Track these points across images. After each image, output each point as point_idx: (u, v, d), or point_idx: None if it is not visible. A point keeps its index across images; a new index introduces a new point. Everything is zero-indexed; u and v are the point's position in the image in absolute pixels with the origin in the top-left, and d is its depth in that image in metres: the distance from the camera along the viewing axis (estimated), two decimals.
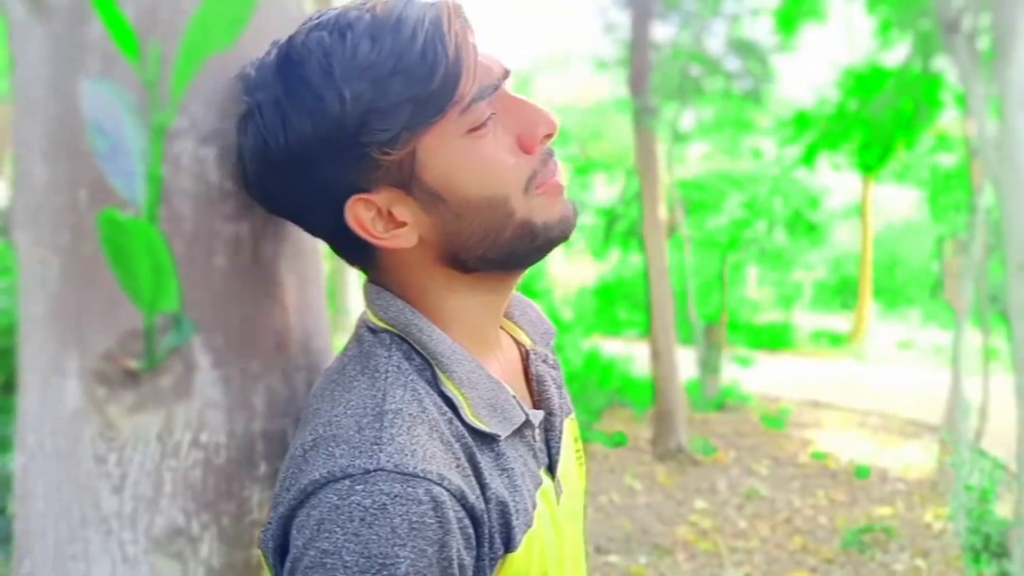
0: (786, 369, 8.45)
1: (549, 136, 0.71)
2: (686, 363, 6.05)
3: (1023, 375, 2.55)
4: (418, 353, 0.73)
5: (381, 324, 0.74)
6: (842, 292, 12.10)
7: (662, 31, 6.65)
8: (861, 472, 5.15)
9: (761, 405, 6.76)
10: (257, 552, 0.78)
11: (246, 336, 0.78)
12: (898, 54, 7.59)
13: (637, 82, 5.60)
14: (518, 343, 0.86)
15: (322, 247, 0.84)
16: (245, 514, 0.77)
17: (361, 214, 0.69)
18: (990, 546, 3.40)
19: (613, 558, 3.91)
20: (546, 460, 0.80)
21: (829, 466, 5.36)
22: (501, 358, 0.81)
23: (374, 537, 0.61)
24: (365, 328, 0.75)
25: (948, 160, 9.45)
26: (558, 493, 0.80)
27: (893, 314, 11.60)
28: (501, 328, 0.84)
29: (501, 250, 0.72)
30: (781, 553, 4.03)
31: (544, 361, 0.87)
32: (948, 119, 8.13)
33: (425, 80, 0.65)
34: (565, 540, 0.79)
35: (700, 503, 4.65)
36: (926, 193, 10.73)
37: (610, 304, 10.29)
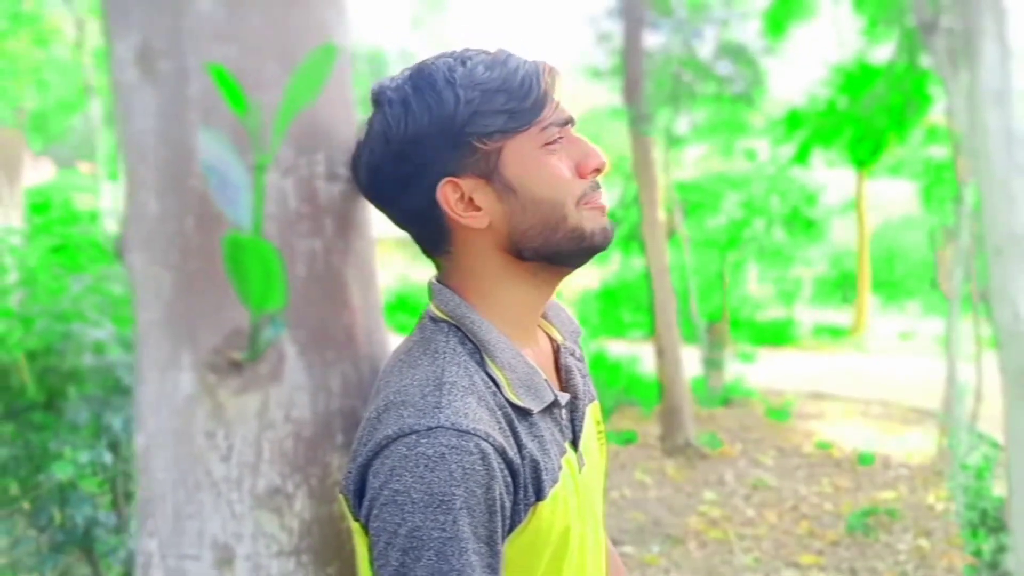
0: (789, 363, 8.60)
1: (598, 170, 0.91)
2: (690, 361, 6.20)
3: (1006, 353, 2.70)
4: (470, 340, 0.91)
5: (441, 315, 0.92)
6: (842, 287, 12.24)
7: (653, 38, 6.83)
8: (864, 459, 5.29)
9: (765, 399, 6.90)
10: (338, 506, 0.95)
11: (323, 331, 0.96)
12: (886, 50, 7.76)
13: (631, 90, 5.77)
14: (551, 339, 1.04)
15: (379, 258, 1.02)
16: (328, 476, 0.95)
17: (449, 193, 0.88)
18: (987, 521, 3.56)
19: (628, 549, 4.06)
20: (570, 435, 0.98)
21: (833, 455, 5.50)
22: (536, 348, 0.99)
23: (436, 479, 0.78)
24: (428, 318, 0.94)
25: (940, 152, 9.60)
26: (580, 464, 0.97)
27: (893, 306, 11.75)
28: (538, 326, 1.02)
29: (552, 247, 0.90)
30: (789, 538, 4.18)
31: (572, 355, 1.04)
32: (939, 111, 8.29)
33: (521, 100, 0.86)
34: (585, 503, 0.97)
35: (709, 494, 4.80)
36: (920, 185, 10.88)
37: (614, 307, 10.46)
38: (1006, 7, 2.72)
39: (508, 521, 0.84)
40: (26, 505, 3.22)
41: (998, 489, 3.67)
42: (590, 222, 0.91)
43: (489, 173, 0.88)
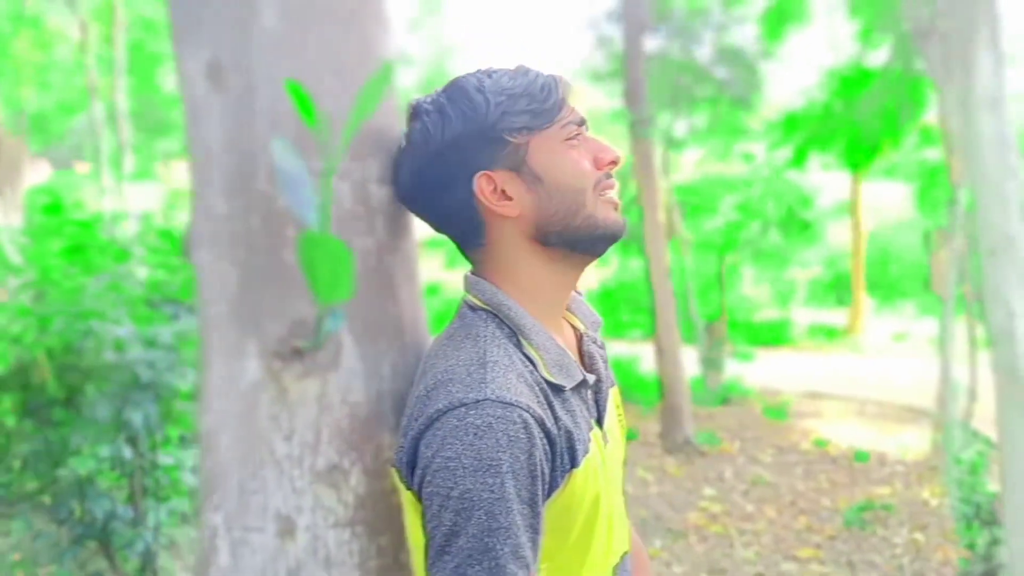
0: (785, 363, 8.71)
1: (613, 163, 1.03)
2: (689, 361, 6.29)
3: (999, 352, 2.79)
4: (507, 325, 1.00)
5: (479, 304, 1.02)
6: (837, 288, 12.34)
7: (652, 42, 6.92)
8: (860, 456, 5.38)
9: (763, 398, 6.99)
10: (389, 481, 1.03)
11: (375, 322, 1.04)
12: (882, 54, 7.87)
13: (632, 94, 5.86)
14: (574, 328, 1.14)
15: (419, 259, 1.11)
16: (381, 454, 1.03)
17: (484, 185, 0.99)
18: (981, 515, 3.65)
19: None
20: (596, 414, 1.07)
21: (830, 452, 5.59)
22: (562, 336, 1.09)
23: (484, 446, 0.87)
24: (466, 307, 1.03)
25: (934, 154, 9.70)
26: (605, 440, 1.07)
27: (888, 308, 11.87)
28: (563, 317, 1.11)
29: (572, 232, 1.01)
30: (787, 533, 4.27)
31: (594, 342, 1.14)
32: (933, 114, 8.37)
33: (542, 102, 0.99)
34: (611, 477, 1.06)
35: (709, 491, 4.89)
36: (914, 188, 11.00)
37: (613, 307, 10.56)
38: (1000, 15, 2.80)
39: (547, 486, 0.93)
40: (46, 499, 3.30)
41: (992, 484, 3.75)
42: (603, 213, 1.02)
43: (518, 165, 0.99)
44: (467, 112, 0.99)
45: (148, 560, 3.28)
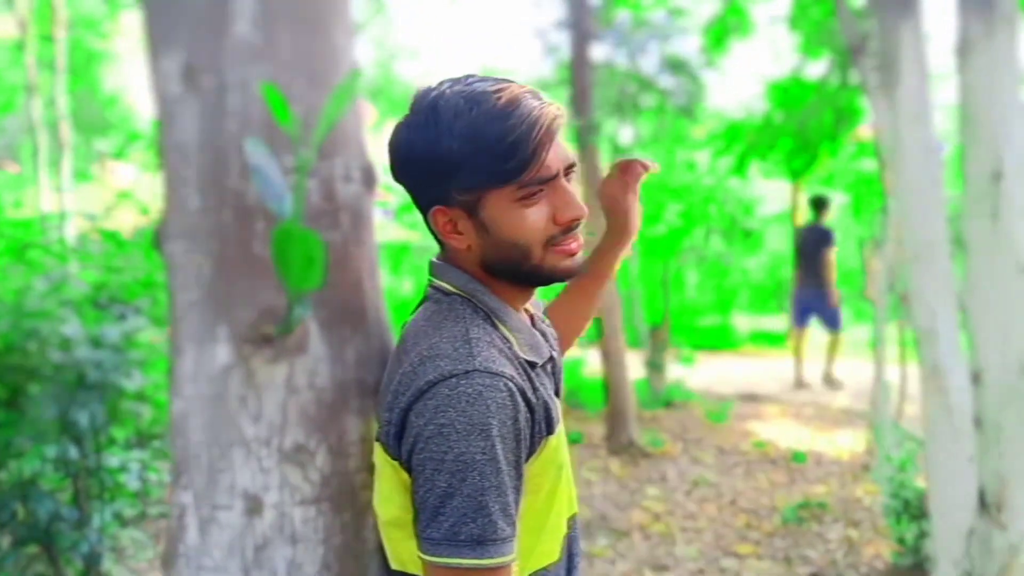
0: (727, 367, 8.90)
1: (575, 220, 1.04)
2: (634, 365, 6.42)
3: (923, 348, 2.93)
4: (481, 309, 1.07)
5: (452, 289, 1.09)
6: (777, 294, 12.62)
7: (599, 51, 7.05)
8: (798, 457, 5.55)
9: (705, 401, 7.14)
10: (352, 461, 1.10)
11: (340, 311, 1.11)
12: (821, 66, 8.12)
13: (579, 101, 5.98)
14: (526, 310, 1.22)
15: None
16: (344, 436, 1.10)
17: (439, 218, 1.05)
18: (909, 509, 3.81)
19: None
20: (555, 386, 1.16)
21: (769, 453, 5.74)
22: (522, 317, 1.17)
23: (475, 412, 0.94)
24: (438, 293, 1.10)
25: (870, 165, 10.01)
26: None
27: None
28: None
29: (517, 276, 1.08)
30: (728, 531, 4.40)
31: (543, 322, 1.24)
32: (869, 126, 8.64)
33: (504, 161, 0.98)
34: (567, 444, 1.15)
35: (652, 491, 5.00)
36: (851, 197, 11.32)
37: None
38: (924, 35, 2.96)
39: (527, 450, 1.01)
40: None
41: (919, 481, 3.91)
42: (552, 262, 1.06)
43: (471, 209, 1.04)
44: (430, 148, 1.00)
45: (92, 562, 3.25)
